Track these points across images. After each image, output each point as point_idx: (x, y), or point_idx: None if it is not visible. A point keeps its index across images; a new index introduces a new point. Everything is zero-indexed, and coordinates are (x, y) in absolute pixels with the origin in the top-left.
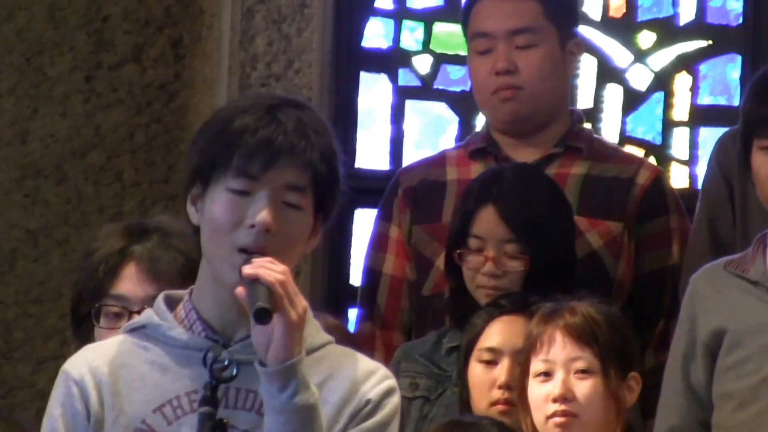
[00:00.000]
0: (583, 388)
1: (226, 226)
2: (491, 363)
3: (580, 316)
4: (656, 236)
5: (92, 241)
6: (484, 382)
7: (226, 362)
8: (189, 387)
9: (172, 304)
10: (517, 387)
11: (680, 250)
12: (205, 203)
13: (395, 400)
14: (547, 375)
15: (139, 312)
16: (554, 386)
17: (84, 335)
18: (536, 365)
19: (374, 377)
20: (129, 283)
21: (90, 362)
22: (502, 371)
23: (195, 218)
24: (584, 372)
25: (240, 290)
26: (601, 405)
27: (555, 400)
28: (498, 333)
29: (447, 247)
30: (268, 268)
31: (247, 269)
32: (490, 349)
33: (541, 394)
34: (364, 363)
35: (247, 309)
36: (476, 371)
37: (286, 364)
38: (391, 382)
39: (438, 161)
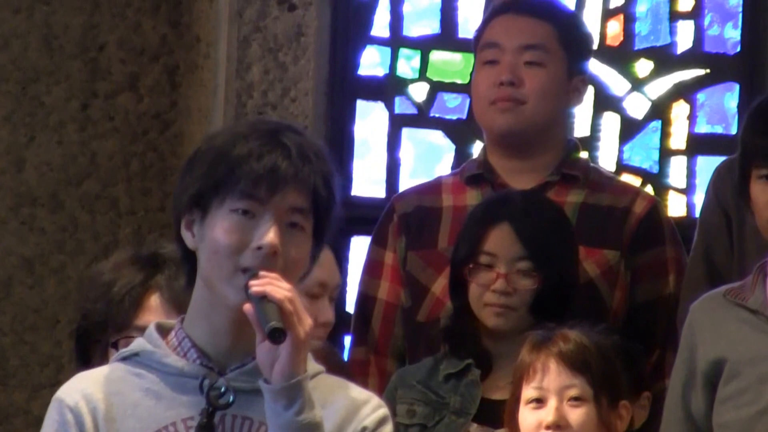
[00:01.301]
0: (576, 415)
1: (230, 247)
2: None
3: (573, 343)
4: (651, 266)
5: (100, 271)
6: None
7: (222, 389)
8: (185, 414)
9: (163, 332)
10: (507, 413)
11: (676, 280)
12: (205, 227)
13: (389, 428)
14: (540, 402)
15: None
16: (547, 413)
17: (92, 365)
18: (528, 392)
19: (368, 406)
20: (153, 314)
21: (83, 389)
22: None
23: (191, 243)
24: (577, 399)
25: (247, 307)
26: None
27: (548, 428)
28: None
29: (453, 263)
30: (276, 285)
31: (256, 287)
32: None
33: (533, 421)
34: (357, 392)
35: (255, 326)
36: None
37: (291, 381)
38: (385, 410)
39: (433, 188)
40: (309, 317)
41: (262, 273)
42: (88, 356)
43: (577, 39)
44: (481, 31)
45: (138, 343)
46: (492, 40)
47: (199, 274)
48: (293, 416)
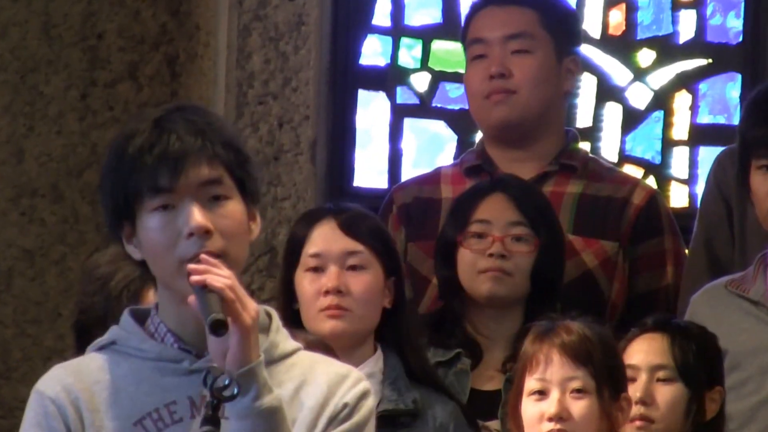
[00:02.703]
0: (578, 407)
1: (164, 244)
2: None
3: (576, 335)
4: (650, 257)
5: (96, 264)
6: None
7: (226, 381)
8: (167, 398)
9: (138, 319)
10: (509, 405)
11: (674, 271)
12: (140, 235)
13: (370, 402)
14: (542, 394)
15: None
16: (549, 405)
17: None
18: (531, 384)
19: (348, 380)
20: None
21: (62, 381)
22: (637, 388)
23: (137, 255)
24: (579, 391)
25: (191, 299)
26: (595, 425)
27: (550, 419)
28: (638, 350)
29: (441, 236)
30: (215, 273)
31: (194, 277)
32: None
33: (535, 412)
34: (337, 367)
35: (201, 318)
36: None
37: (244, 369)
38: (365, 384)
39: (432, 178)
40: (253, 302)
41: (202, 257)
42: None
43: (561, 20)
44: (466, 28)
45: (113, 332)
46: (477, 35)
47: (156, 278)
48: (250, 403)
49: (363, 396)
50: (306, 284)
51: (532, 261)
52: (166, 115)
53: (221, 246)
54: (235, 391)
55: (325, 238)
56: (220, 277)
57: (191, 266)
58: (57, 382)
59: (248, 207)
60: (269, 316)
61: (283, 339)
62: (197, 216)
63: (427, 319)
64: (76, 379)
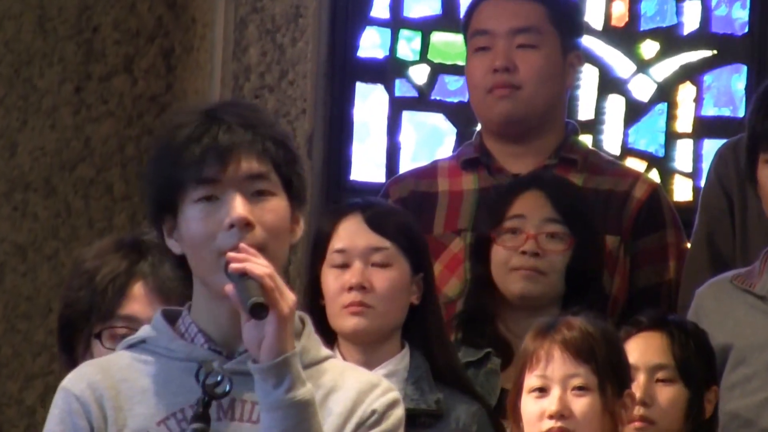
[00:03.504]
0: (580, 405)
1: (204, 235)
2: None
3: (577, 331)
4: (652, 251)
5: (82, 258)
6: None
7: (219, 378)
8: (193, 399)
9: (170, 319)
10: (508, 402)
11: (677, 265)
12: (181, 228)
13: (399, 412)
14: (543, 391)
15: None
16: (550, 402)
17: (76, 354)
18: (531, 381)
19: (378, 389)
20: (138, 303)
21: (89, 377)
22: (637, 389)
23: (177, 249)
24: (581, 389)
25: (229, 287)
26: (597, 422)
27: (551, 417)
28: (635, 349)
29: (475, 231)
30: (255, 262)
31: (234, 265)
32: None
33: (535, 410)
34: (368, 375)
35: (238, 306)
36: None
37: (279, 358)
38: (395, 394)
39: (429, 172)
40: (291, 293)
41: (242, 246)
42: (71, 346)
43: (568, 15)
44: (469, 18)
45: (145, 330)
46: (482, 26)
47: (193, 274)
48: (283, 394)
49: (392, 405)
50: (330, 280)
51: (567, 260)
52: (218, 107)
53: (261, 240)
54: (227, 388)
55: (351, 233)
56: (260, 265)
57: (231, 254)
58: (83, 379)
59: (293, 207)
60: (302, 321)
61: (314, 345)
62: (239, 207)
63: (458, 317)
64: (103, 376)
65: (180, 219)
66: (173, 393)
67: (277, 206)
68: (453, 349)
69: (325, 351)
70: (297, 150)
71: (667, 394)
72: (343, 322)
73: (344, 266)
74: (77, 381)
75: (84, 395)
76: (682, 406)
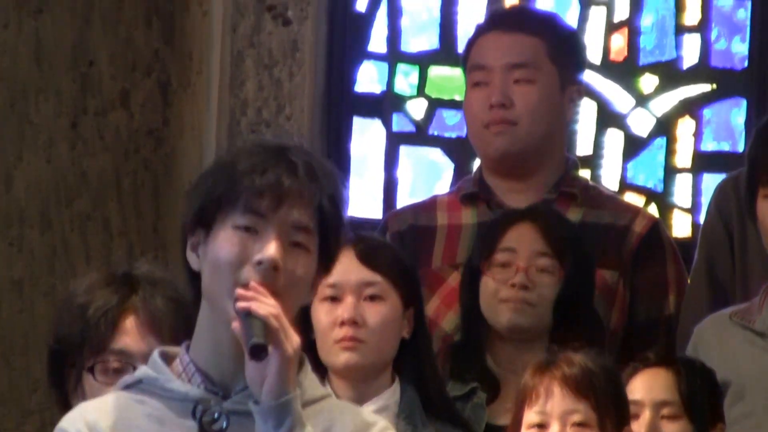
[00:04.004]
0: None
1: (231, 262)
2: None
3: (577, 367)
4: (652, 286)
5: (73, 292)
6: None
7: (216, 415)
8: None
9: (167, 359)
10: None
11: (676, 300)
12: (208, 245)
13: None
14: (542, 427)
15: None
16: None
17: (67, 388)
18: (530, 417)
19: (375, 428)
20: (130, 337)
21: (87, 418)
22: (642, 425)
23: (196, 264)
24: (581, 425)
25: (235, 325)
26: None
27: None
28: (642, 385)
29: (466, 264)
30: (262, 301)
31: (241, 303)
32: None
33: None
34: (364, 415)
35: (243, 344)
36: None
37: (281, 400)
38: None
39: (428, 206)
40: (297, 336)
41: (252, 284)
42: (62, 380)
43: (567, 49)
44: (467, 52)
45: (142, 370)
46: (479, 61)
47: (203, 296)
48: None
49: None
50: (322, 315)
51: (556, 292)
52: (291, 147)
53: (281, 288)
54: (224, 425)
55: (343, 267)
56: (266, 305)
57: (240, 291)
58: (81, 419)
59: (318, 271)
60: (300, 360)
61: (312, 384)
62: (274, 249)
63: (447, 350)
64: (100, 416)
65: (212, 237)
66: None
67: (307, 262)
68: (444, 381)
69: (322, 390)
70: (344, 214)
71: (672, 430)
72: (335, 357)
73: (336, 300)
74: (75, 421)
75: None
76: None
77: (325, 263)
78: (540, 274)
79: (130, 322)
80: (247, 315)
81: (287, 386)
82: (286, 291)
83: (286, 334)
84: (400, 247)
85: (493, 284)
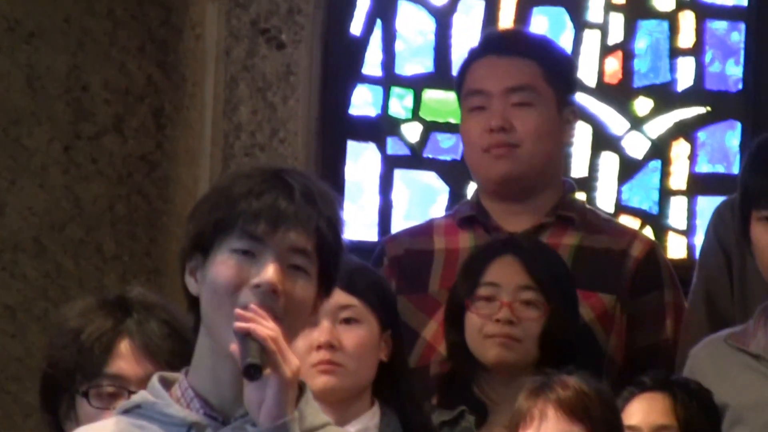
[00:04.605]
0: None
1: (229, 286)
2: None
3: (572, 390)
4: (650, 311)
5: (66, 317)
6: None
7: None
8: None
9: (166, 384)
10: None
11: (674, 325)
12: (206, 270)
13: None
14: None
15: (136, 391)
16: None
17: (59, 414)
18: None
19: None
20: (125, 361)
21: None
22: None
23: (194, 288)
24: None
25: (234, 347)
26: None
27: None
28: (638, 410)
29: (450, 298)
30: (261, 323)
31: (239, 324)
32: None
33: None
34: None
35: (238, 364)
36: None
37: (278, 422)
38: None
39: (425, 230)
40: (296, 359)
41: (252, 306)
42: (55, 405)
43: (562, 71)
44: (462, 77)
45: (140, 395)
46: (476, 86)
47: (202, 322)
48: None
49: None
50: (299, 339)
51: (541, 326)
52: (288, 171)
53: (281, 312)
54: None
55: None
56: (266, 328)
57: (239, 311)
58: None
59: (318, 294)
60: (300, 387)
61: (312, 412)
62: (272, 272)
63: (435, 381)
64: None
65: (210, 261)
66: None
67: (306, 285)
68: (424, 406)
69: (322, 418)
70: (343, 237)
71: None
72: (312, 381)
73: (312, 324)
74: None
75: None
76: None
77: (326, 286)
78: (525, 308)
79: (124, 346)
80: (245, 336)
81: (285, 409)
82: (285, 314)
83: (285, 357)
84: (398, 272)
85: (478, 320)
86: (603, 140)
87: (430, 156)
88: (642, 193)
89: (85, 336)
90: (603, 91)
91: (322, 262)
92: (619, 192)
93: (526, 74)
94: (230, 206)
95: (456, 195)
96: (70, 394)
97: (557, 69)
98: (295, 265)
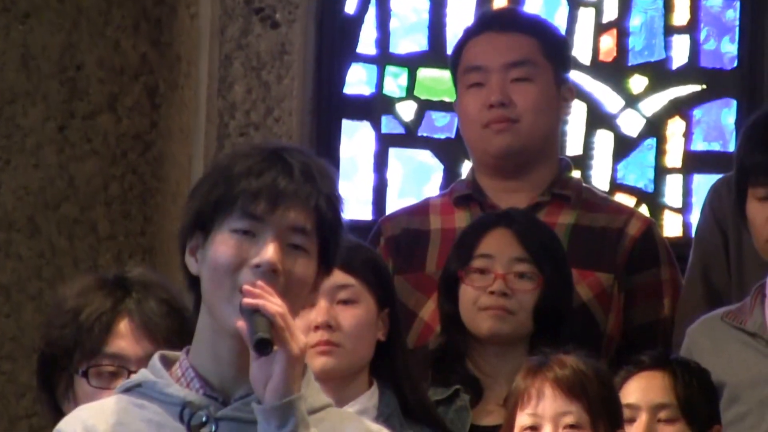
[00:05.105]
0: None
1: (229, 266)
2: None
3: (569, 369)
4: (647, 288)
5: (64, 297)
6: None
7: (204, 418)
8: None
9: (167, 363)
10: None
11: (671, 302)
12: (207, 249)
13: None
14: (534, 429)
15: (136, 370)
16: None
17: (56, 393)
18: (523, 419)
19: None
20: (125, 340)
21: (85, 421)
22: (638, 429)
23: (194, 268)
24: (573, 427)
25: (241, 324)
26: None
27: None
28: (637, 389)
29: (445, 270)
30: (269, 300)
31: (248, 299)
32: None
33: None
34: (367, 425)
35: (247, 341)
36: None
37: (284, 400)
38: None
39: (421, 209)
40: (302, 335)
41: (259, 283)
42: (51, 385)
43: (559, 47)
44: (458, 54)
45: (141, 374)
46: (475, 63)
47: (202, 301)
48: None
49: None
50: (296, 320)
51: (536, 298)
52: (286, 148)
53: (281, 290)
54: (213, 428)
55: None
56: (274, 304)
57: (247, 287)
58: (79, 422)
59: (318, 273)
60: (302, 368)
61: (314, 393)
62: (272, 252)
63: (428, 356)
64: (98, 419)
65: (210, 240)
66: None
67: (306, 264)
68: (422, 385)
69: (324, 399)
70: (342, 214)
71: None
72: (311, 361)
73: (310, 304)
74: (72, 424)
75: None
76: None
77: (326, 264)
78: (519, 280)
79: (124, 326)
80: (252, 313)
81: (292, 386)
82: (285, 293)
83: (292, 334)
84: (394, 252)
85: (472, 292)
86: (598, 118)
87: (425, 134)
88: (637, 171)
89: (85, 315)
90: (598, 69)
91: (322, 240)
92: (614, 170)
93: (524, 49)
94: (230, 186)
95: (450, 173)
96: (69, 373)
97: (554, 44)
98: (294, 244)
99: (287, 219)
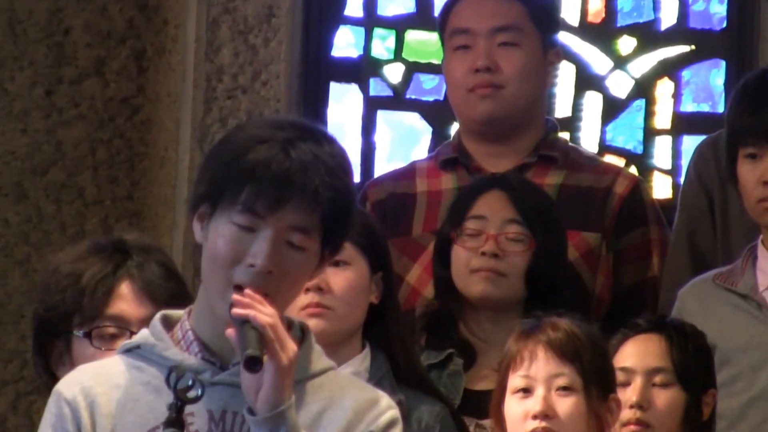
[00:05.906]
0: (564, 405)
1: (225, 260)
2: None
3: (562, 332)
4: (636, 248)
5: (60, 262)
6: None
7: (189, 382)
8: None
9: (169, 324)
10: (492, 404)
11: (660, 262)
12: (209, 229)
13: (398, 431)
14: (527, 391)
15: (137, 332)
16: (534, 403)
17: (52, 357)
18: (515, 381)
19: (377, 407)
20: (125, 303)
21: (83, 383)
22: (633, 392)
23: (199, 236)
24: (566, 389)
25: (230, 332)
26: (582, 423)
27: (535, 417)
28: (633, 352)
29: (439, 233)
30: (259, 310)
31: (237, 310)
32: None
33: (519, 411)
34: (367, 391)
35: (238, 351)
36: None
37: (275, 411)
38: (395, 412)
39: (407, 173)
40: (293, 344)
41: (247, 292)
42: (48, 349)
43: (546, 12)
44: (446, 16)
45: (141, 335)
46: (461, 26)
47: (201, 275)
48: None
49: (390, 424)
50: None
51: (527, 262)
52: (299, 140)
53: (274, 287)
54: (200, 392)
55: None
56: (264, 315)
57: (236, 297)
58: (77, 383)
59: (322, 257)
60: (303, 331)
61: (313, 357)
62: (267, 253)
63: (415, 321)
64: (96, 381)
65: (213, 221)
66: (164, 402)
67: (302, 263)
68: (414, 349)
69: (324, 362)
70: (353, 206)
71: (664, 397)
72: None
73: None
74: (70, 385)
75: (75, 400)
76: (680, 409)
77: (329, 252)
78: (511, 242)
79: (125, 288)
80: (244, 323)
81: (282, 396)
82: (277, 291)
83: (282, 344)
84: (381, 217)
85: (464, 253)
86: (586, 80)
87: (413, 97)
88: (626, 132)
89: (86, 279)
90: (586, 30)
91: (326, 235)
92: (603, 132)
93: (512, 14)
94: (239, 175)
95: (439, 136)
96: (65, 336)
97: (541, 9)
98: (292, 243)
99: (288, 218)
